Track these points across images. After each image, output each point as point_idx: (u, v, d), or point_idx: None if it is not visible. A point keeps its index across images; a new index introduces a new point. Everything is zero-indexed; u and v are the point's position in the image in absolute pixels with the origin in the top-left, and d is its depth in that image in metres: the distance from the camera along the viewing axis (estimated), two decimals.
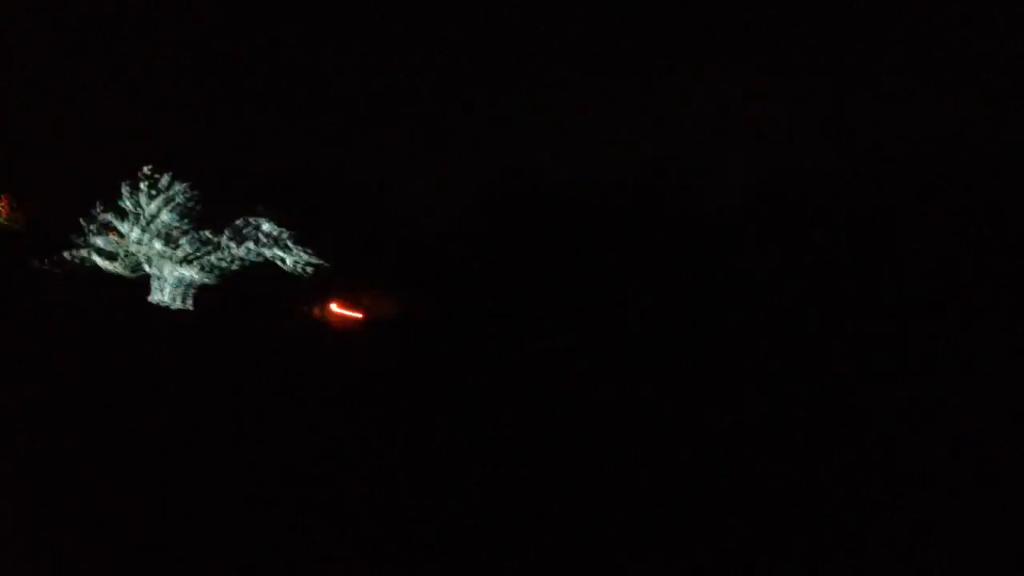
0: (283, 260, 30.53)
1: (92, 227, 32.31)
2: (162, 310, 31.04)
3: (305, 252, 30.40)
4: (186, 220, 31.54)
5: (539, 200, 30.78)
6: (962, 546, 9.32)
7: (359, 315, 30.67)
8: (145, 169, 31.89)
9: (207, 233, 31.28)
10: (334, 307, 31.06)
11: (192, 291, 31.68)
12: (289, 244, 30.47)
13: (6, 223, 33.16)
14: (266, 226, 30.61)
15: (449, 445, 13.76)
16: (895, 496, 11.48)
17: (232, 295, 31.46)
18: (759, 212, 31.18)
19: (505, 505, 9.60)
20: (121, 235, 32.29)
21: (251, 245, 30.69)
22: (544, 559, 8.42)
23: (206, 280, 31.44)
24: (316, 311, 30.33)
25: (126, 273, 32.07)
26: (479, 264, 29.53)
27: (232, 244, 30.93)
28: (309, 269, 30.54)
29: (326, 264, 30.40)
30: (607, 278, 26.61)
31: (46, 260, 32.19)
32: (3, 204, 33.38)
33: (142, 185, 31.84)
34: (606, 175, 31.83)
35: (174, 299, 31.50)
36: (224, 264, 31.18)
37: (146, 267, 31.88)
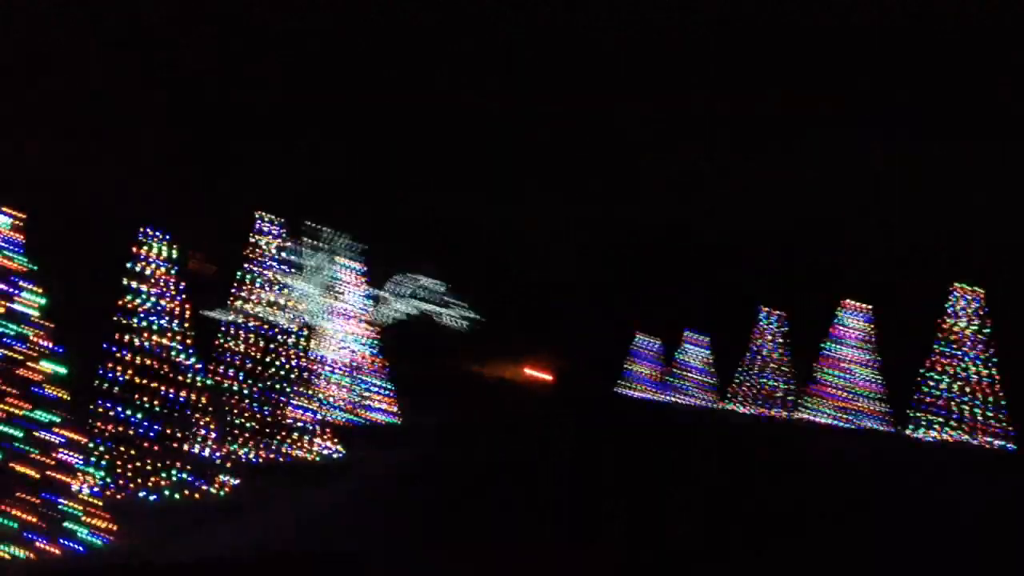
0: (441, 315, 33.59)
1: (258, 280, 30.67)
2: (329, 363, 31.37)
3: (463, 306, 33.97)
4: (350, 276, 32.29)
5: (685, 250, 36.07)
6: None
7: (545, 375, 35.07)
8: (307, 222, 31.79)
9: (370, 287, 32.58)
10: (514, 366, 34.69)
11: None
12: (448, 299, 33.74)
13: (195, 276, 28.99)
14: (426, 281, 33.40)
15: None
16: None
17: (395, 348, 32.87)
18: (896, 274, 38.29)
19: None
20: (287, 288, 31.24)
21: (413, 300, 33.09)
22: None
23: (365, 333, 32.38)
24: (479, 367, 33.88)
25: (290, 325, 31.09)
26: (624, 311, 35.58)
27: (394, 299, 32.88)
28: (466, 323, 34.19)
29: (482, 318, 34.52)
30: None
31: (215, 312, 29.52)
32: (194, 258, 29.20)
33: (305, 239, 31.63)
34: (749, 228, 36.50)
35: (338, 352, 31.84)
36: (387, 318, 32.78)
37: (311, 321, 31.49)
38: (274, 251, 31.57)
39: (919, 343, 38.29)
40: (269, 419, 22.22)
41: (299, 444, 22.22)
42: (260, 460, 20.99)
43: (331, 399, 29.28)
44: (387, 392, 31.90)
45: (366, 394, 32.38)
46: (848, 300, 44.57)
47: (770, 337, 50.47)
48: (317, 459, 22.21)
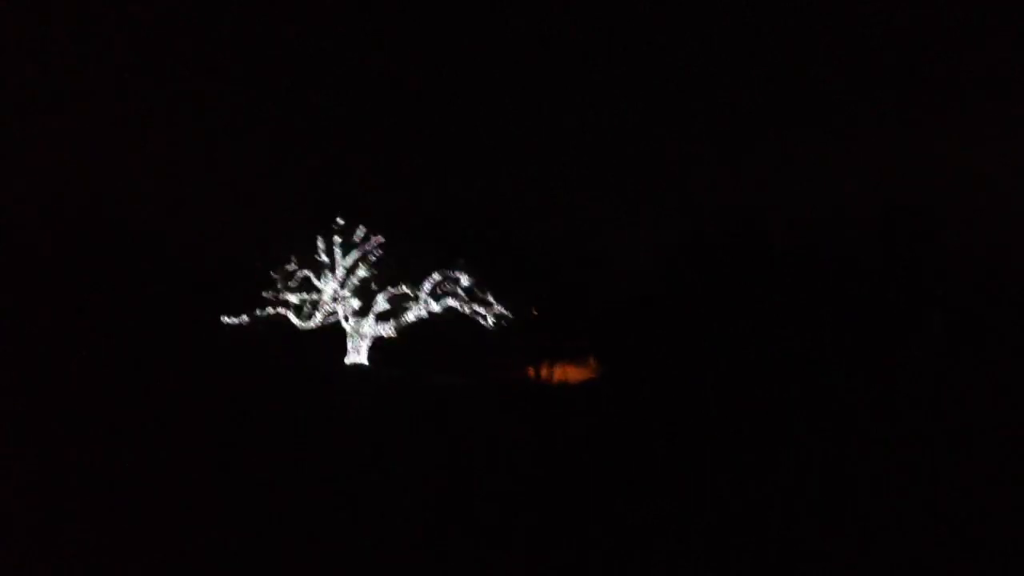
0: (483, 316, 31.20)
1: (286, 282, 29.43)
2: (360, 371, 29.78)
3: (505, 307, 31.44)
4: (383, 274, 30.65)
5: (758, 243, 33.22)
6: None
7: (583, 375, 32.99)
8: (339, 220, 30.28)
9: (404, 288, 30.78)
10: (552, 367, 32.63)
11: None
12: (489, 299, 31.36)
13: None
14: (465, 280, 31.10)
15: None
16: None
17: (434, 353, 31.11)
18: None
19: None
20: (317, 290, 29.89)
21: (450, 301, 30.98)
22: None
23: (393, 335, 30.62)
24: (531, 371, 31.85)
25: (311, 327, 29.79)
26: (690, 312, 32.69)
27: (431, 300, 30.91)
28: (506, 324, 31.91)
29: (525, 319, 32.29)
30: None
31: (239, 316, 28.38)
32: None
33: (336, 238, 30.15)
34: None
35: (370, 358, 30.27)
36: (422, 320, 30.87)
37: (343, 324, 30.02)
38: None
39: None
40: None
41: None
42: None
43: None
44: None
45: None
46: None
47: None
48: None
